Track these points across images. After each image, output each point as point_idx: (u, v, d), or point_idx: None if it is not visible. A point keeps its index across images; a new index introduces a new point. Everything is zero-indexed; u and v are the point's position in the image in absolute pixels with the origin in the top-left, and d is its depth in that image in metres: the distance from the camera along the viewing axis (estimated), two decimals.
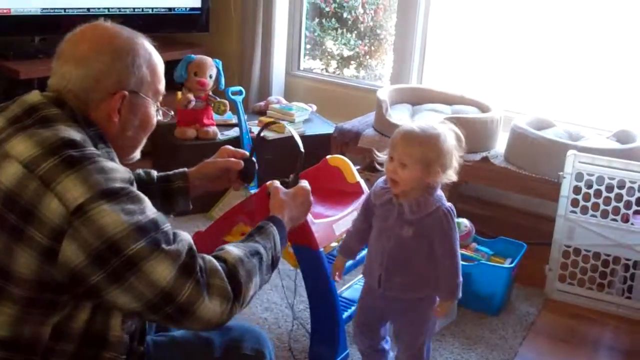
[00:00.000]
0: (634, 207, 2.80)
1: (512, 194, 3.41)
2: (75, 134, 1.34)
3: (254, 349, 1.64)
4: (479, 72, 4.03)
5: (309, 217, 2.40)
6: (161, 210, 1.39)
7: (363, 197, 2.62)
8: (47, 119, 1.36)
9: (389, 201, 2.02)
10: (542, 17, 3.75)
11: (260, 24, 4.23)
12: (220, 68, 3.42)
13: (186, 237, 1.39)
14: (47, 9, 3.73)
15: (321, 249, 2.39)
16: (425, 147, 1.92)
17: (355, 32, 4.54)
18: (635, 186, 2.77)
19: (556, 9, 3.69)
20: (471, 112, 3.53)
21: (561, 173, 2.86)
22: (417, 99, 3.79)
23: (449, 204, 2.02)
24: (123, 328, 1.40)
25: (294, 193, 1.84)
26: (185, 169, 1.94)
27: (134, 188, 1.34)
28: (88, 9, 3.85)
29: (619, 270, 2.88)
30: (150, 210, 1.34)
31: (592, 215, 2.86)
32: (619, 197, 2.80)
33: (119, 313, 1.39)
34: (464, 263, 2.70)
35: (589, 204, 2.85)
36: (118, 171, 1.33)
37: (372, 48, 4.56)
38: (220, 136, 3.49)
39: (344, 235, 2.29)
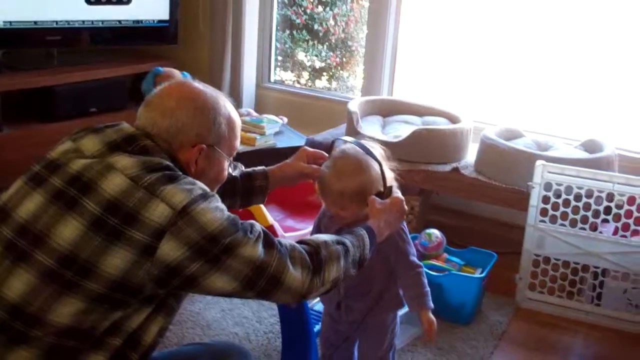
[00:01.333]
0: (602, 216, 2.82)
1: (483, 204, 3.43)
2: (169, 163, 1.52)
3: None
4: (449, 84, 4.05)
5: (280, 231, 2.41)
6: (240, 206, 1.66)
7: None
8: (145, 149, 1.52)
9: (338, 231, 1.93)
10: (509, 28, 3.79)
11: (230, 35, 4.22)
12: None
13: (257, 223, 1.55)
14: (12, 21, 3.69)
15: None
16: (354, 182, 1.86)
17: (327, 43, 4.55)
18: (603, 195, 2.80)
19: (523, 21, 3.73)
20: (441, 123, 3.55)
21: (530, 183, 2.88)
22: (388, 110, 3.81)
23: None
24: (156, 339, 1.52)
25: (390, 202, 1.85)
26: (266, 168, 2.06)
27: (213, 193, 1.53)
28: (56, 22, 3.82)
29: (588, 278, 2.91)
30: (225, 208, 1.52)
31: (562, 225, 2.88)
32: (587, 206, 2.83)
33: (161, 322, 1.52)
34: (434, 274, 2.73)
35: (558, 213, 2.88)
36: (200, 184, 1.52)
37: (344, 60, 4.57)
38: None
39: None
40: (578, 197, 2.83)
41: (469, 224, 3.56)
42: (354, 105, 3.59)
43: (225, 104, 1.66)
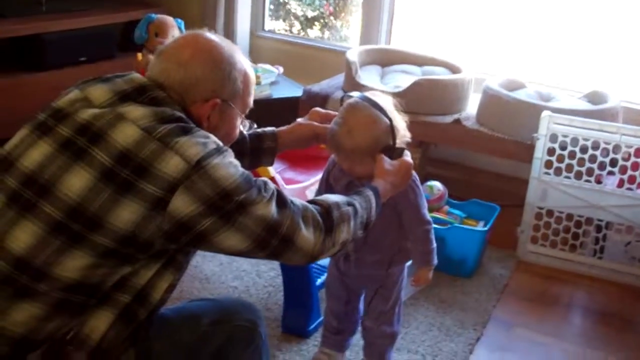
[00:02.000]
0: (608, 168, 2.78)
1: (484, 156, 3.37)
2: (182, 115, 1.46)
3: (248, 319, 1.62)
4: (448, 33, 3.96)
5: (281, 182, 2.34)
6: (248, 167, 1.58)
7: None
8: (157, 100, 1.45)
9: (350, 184, 1.92)
10: None
11: None
12: (183, 28, 3.29)
13: (270, 182, 1.50)
14: None
15: None
16: (367, 138, 1.79)
17: None
18: (610, 147, 2.74)
19: None
20: (442, 74, 3.47)
21: (535, 135, 2.82)
22: (387, 60, 3.71)
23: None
24: (164, 296, 1.47)
25: (399, 165, 1.79)
26: (275, 129, 1.98)
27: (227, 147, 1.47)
28: None
29: (592, 231, 2.87)
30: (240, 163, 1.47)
31: (566, 177, 2.83)
32: (593, 159, 2.78)
33: (168, 279, 1.46)
34: (437, 227, 2.67)
35: (563, 165, 2.82)
36: (214, 138, 1.45)
37: (337, 9, 4.45)
38: None
39: None
40: (584, 149, 2.78)
41: (469, 177, 3.51)
42: (353, 55, 3.50)
43: (242, 59, 1.59)
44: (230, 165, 1.41)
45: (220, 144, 1.45)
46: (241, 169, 1.44)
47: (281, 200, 1.47)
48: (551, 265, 2.94)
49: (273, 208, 1.44)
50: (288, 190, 2.35)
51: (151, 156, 1.35)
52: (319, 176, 2.47)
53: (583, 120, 2.79)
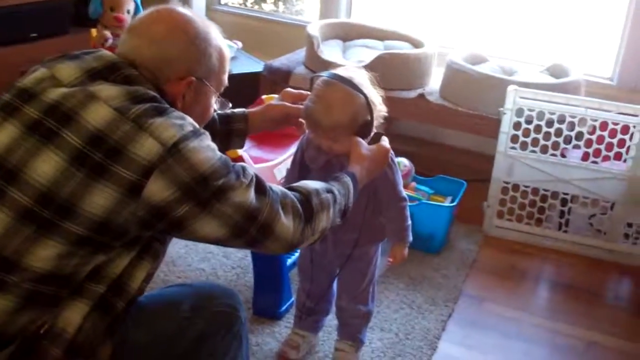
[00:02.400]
0: (574, 142, 2.78)
1: (448, 131, 3.36)
2: (156, 95, 1.38)
3: (228, 304, 1.55)
4: (408, 6, 3.92)
5: (249, 161, 2.29)
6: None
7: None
8: (129, 79, 1.38)
9: (328, 163, 1.87)
10: None
11: None
12: (139, 3, 3.18)
13: (248, 167, 1.44)
14: None
15: None
16: (346, 114, 1.75)
17: None
18: (575, 120, 2.75)
19: None
20: (404, 48, 3.43)
21: (501, 109, 2.81)
22: (348, 34, 3.66)
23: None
24: (142, 285, 1.42)
25: (376, 150, 1.76)
26: (246, 110, 1.92)
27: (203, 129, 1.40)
28: None
29: (557, 204, 2.88)
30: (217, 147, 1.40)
31: (532, 151, 2.83)
32: (558, 132, 2.78)
33: (145, 268, 1.41)
34: None
35: (529, 140, 2.82)
36: (189, 119, 1.38)
37: None
38: None
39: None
40: (550, 123, 2.78)
41: (433, 153, 3.49)
42: (314, 29, 3.44)
43: (217, 35, 1.52)
44: (207, 149, 1.34)
45: (197, 126, 1.38)
46: (219, 153, 1.37)
47: (260, 187, 1.41)
48: (517, 239, 2.95)
49: (252, 194, 1.38)
50: (256, 169, 2.29)
51: (125, 138, 1.27)
52: (286, 154, 2.45)
53: (549, 94, 2.78)
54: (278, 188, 1.47)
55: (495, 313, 2.49)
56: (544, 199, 2.90)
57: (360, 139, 1.74)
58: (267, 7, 4.43)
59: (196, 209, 1.31)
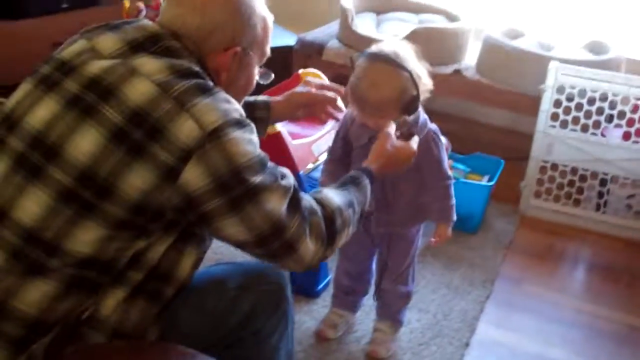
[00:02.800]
0: (616, 121, 2.72)
1: (483, 108, 3.30)
2: (199, 69, 1.32)
3: (275, 283, 1.52)
4: None
5: (287, 137, 2.24)
6: None
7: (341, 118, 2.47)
8: (171, 51, 1.32)
9: (372, 139, 1.80)
10: None
11: None
12: None
13: (290, 174, 1.39)
14: None
15: (301, 172, 2.24)
16: (393, 89, 1.72)
17: None
18: (618, 99, 2.68)
19: None
20: (439, 22, 3.36)
21: (542, 86, 2.74)
22: (382, 7, 3.59)
23: (433, 126, 1.89)
24: (191, 272, 1.39)
25: (401, 149, 1.70)
26: (268, 98, 1.87)
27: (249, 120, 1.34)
28: None
29: (596, 185, 2.83)
30: (259, 143, 1.34)
31: (572, 130, 2.77)
32: (600, 111, 2.72)
33: (191, 255, 1.38)
34: None
35: (569, 118, 2.76)
36: (237, 104, 1.33)
37: None
38: None
39: (322, 161, 2.08)
40: (591, 101, 2.71)
41: (469, 130, 3.43)
42: (348, 2, 3.37)
43: (260, 3, 1.44)
44: (249, 142, 1.28)
45: (243, 114, 1.32)
46: (259, 150, 1.31)
47: (294, 200, 1.34)
48: (554, 220, 2.90)
49: (284, 206, 1.32)
50: (295, 145, 2.25)
51: (165, 117, 1.22)
52: (324, 130, 2.40)
53: (592, 71, 2.71)
54: (308, 202, 1.40)
55: (533, 295, 2.46)
56: (582, 179, 2.84)
57: (390, 132, 1.69)
58: None
59: (226, 207, 1.26)
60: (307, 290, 2.29)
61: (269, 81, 1.64)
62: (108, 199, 1.22)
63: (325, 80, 1.93)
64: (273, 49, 3.48)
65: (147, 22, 1.37)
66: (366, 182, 1.59)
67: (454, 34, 3.20)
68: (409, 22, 3.40)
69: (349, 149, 1.91)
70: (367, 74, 1.74)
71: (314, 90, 1.89)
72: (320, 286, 2.31)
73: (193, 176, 1.23)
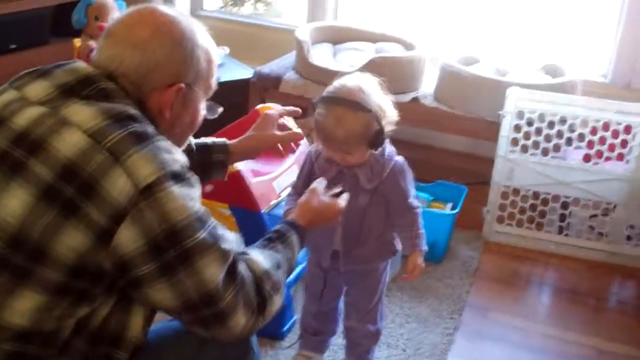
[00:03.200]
0: (576, 144, 2.72)
1: (442, 135, 3.29)
2: (134, 111, 1.24)
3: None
4: (396, 8, 3.85)
5: (248, 175, 2.20)
6: None
7: (301, 151, 2.43)
8: (106, 93, 1.24)
9: (339, 173, 1.81)
10: None
11: None
12: (125, 9, 3.07)
13: (232, 237, 1.31)
14: None
15: (263, 211, 2.19)
16: (358, 125, 1.70)
17: None
18: (577, 122, 2.69)
19: None
20: (395, 51, 3.36)
21: (501, 112, 2.74)
22: (337, 37, 3.58)
23: (400, 158, 1.87)
24: (145, 330, 1.32)
25: (329, 205, 1.65)
26: (227, 141, 1.83)
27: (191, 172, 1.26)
28: None
29: (558, 208, 2.82)
30: (200, 198, 1.25)
31: (533, 154, 2.77)
32: (560, 134, 2.72)
33: (140, 313, 1.29)
34: None
35: (529, 143, 2.76)
36: (179, 153, 1.25)
37: None
38: None
39: (285, 196, 2.04)
40: (551, 125, 2.71)
41: (428, 157, 3.41)
42: (303, 34, 3.36)
43: (203, 35, 1.38)
44: (187, 198, 1.19)
45: (185, 164, 1.24)
46: (199, 206, 1.22)
47: (233, 267, 1.26)
48: (518, 244, 2.89)
49: (222, 274, 1.23)
50: (255, 183, 2.21)
51: (98, 171, 1.14)
52: (284, 165, 2.36)
53: (552, 94, 2.72)
54: (243, 267, 1.31)
55: (502, 323, 2.43)
56: (544, 202, 2.84)
57: (318, 188, 1.67)
58: (246, 9, 4.34)
59: (157, 272, 1.18)
60: (272, 332, 2.22)
61: (216, 115, 1.56)
62: (43, 262, 1.14)
63: (280, 108, 1.91)
64: (230, 82, 3.47)
65: (79, 64, 1.30)
66: (294, 237, 1.52)
67: (411, 62, 3.19)
68: (365, 51, 3.39)
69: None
70: (331, 112, 1.72)
71: (277, 132, 1.85)
72: (285, 327, 2.25)
73: (126, 238, 1.15)
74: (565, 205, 2.81)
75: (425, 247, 1.89)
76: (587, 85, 3.18)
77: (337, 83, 1.76)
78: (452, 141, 3.39)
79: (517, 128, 2.74)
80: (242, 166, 2.18)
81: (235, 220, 2.25)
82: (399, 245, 1.93)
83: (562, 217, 2.83)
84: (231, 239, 1.29)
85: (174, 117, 1.36)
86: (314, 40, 3.45)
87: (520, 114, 2.72)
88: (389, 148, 1.84)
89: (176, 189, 1.18)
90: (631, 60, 3.25)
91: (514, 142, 2.77)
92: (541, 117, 2.71)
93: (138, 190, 1.14)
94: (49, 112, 1.20)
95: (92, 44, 2.90)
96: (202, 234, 1.21)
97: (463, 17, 3.68)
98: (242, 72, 3.51)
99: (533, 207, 2.85)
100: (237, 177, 2.17)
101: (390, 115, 1.77)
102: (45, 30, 3.64)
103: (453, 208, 2.78)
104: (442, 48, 3.48)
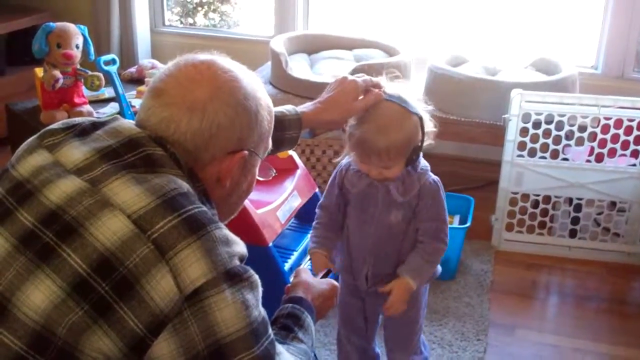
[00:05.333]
0: (587, 143, 2.57)
1: (437, 141, 3.12)
2: (184, 185, 1.04)
3: None
4: (367, 12, 3.68)
5: (251, 207, 1.99)
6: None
7: (299, 174, 2.24)
8: (153, 161, 1.04)
9: (370, 185, 1.65)
10: None
11: None
12: (87, 35, 2.82)
13: (286, 352, 1.11)
14: None
15: (271, 244, 1.98)
16: (400, 133, 1.55)
17: None
18: (588, 120, 2.54)
19: None
20: (377, 56, 3.18)
21: (505, 116, 2.57)
22: (313, 46, 3.38)
23: (434, 177, 1.70)
24: None
25: (321, 283, 1.47)
26: (300, 111, 1.57)
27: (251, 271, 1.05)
28: None
29: (571, 211, 2.68)
30: (260, 301, 1.04)
31: (542, 157, 2.61)
32: (570, 135, 2.57)
33: None
34: None
35: (537, 146, 2.60)
36: (238, 244, 1.04)
37: None
38: (97, 115, 2.93)
39: (311, 231, 1.84)
40: (559, 126, 2.56)
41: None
42: (278, 45, 3.15)
43: (262, 89, 1.19)
44: (242, 305, 0.99)
45: (244, 257, 1.04)
46: (257, 315, 1.02)
47: None
48: (530, 251, 2.74)
49: None
50: (260, 215, 2.00)
51: (140, 268, 0.95)
52: (285, 193, 2.16)
53: (559, 94, 2.57)
54: None
55: (531, 341, 2.27)
56: (555, 206, 2.69)
57: (306, 269, 1.51)
58: (199, 20, 4.13)
59: None
60: None
61: (270, 178, 1.44)
62: None
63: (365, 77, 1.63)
64: None
65: (123, 124, 1.10)
66: (308, 319, 1.33)
67: (396, 68, 2.98)
68: (345, 59, 3.21)
69: (344, 198, 1.72)
70: (373, 118, 1.55)
71: (358, 102, 1.56)
72: None
73: (164, 352, 0.96)
74: (578, 208, 2.67)
75: (419, 284, 1.72)
76: (579, 78, 3.05)
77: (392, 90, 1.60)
78: (449, 147, 3.21)
79: (524, 131, 2.58)
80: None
81: None
82: (439, 267, 1.77)
83: (575, 220, 2.69)
84: (286, 354, 1.11)
85: (232, 186, 1.17)
86: (289, 51, 3.25)
87: (526, 117, 2.56)
88: (422, 162, 1.69)
89: (229, 295, 0.98)
90: (622, 50, 3.14)
91: (521, 146, 2.61)
92: (549, 118, 2.56)
93: (184, 296, 0.95)
94: (88, 189, 1.00)
95: (57, 73, 2.64)
96: (256, 351, 1.01)
97: (444, 16, 3.52)
98: None
99: (543, 212, 2.70)
100: (241, 210, 1.96)
101: (429, 127, 1.62)
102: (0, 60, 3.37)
103: (462, 220, 2.61)
104: (426, 50, 3.32)
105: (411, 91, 1.62)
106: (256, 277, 1.05)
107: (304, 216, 2.27)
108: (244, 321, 0.99)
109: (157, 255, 0.95)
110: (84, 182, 1.01)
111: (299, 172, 2.27)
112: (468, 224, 2.53)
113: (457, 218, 2.65)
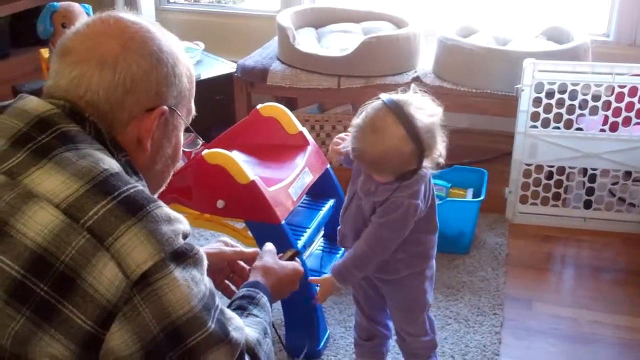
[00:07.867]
0: (601, 112, 2.53)
1: (451, 114, 3.08)
2: (113, 163, 0.97)
3: None
4: None
5: (263, 185, 1.97)
6: None
7: (310, 150, 2.21)
8: (70, 138, 0.96)
9: (377, 187, 1.63)
10: None
11: None
12: (92, 13, 2.79)
13: (242, 324, 1.08)
14: None
15: (283, 222, 1.96)
16: (389, 162, 1.54)
17: None
18: (602, 89, 2.49)
19: None
20: (386, 29, 3.13)
21: (518, 86, 2.53)
22: (320, 20, 3.33)
23: (411, 200, 1.60)
24: None
25: (285, 267, 1.43)
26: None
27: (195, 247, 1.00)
28: None
29: (585, 182, 2.64)
30: (205, 274, 1.00)
31: (555, 127, 2.57)
32: (583, 104, 2.52)
33: None
34: None
35: (551, 116, 2.56)
36: (181, 221, 0.98)
37: None
38: None
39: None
40: (573, 95, 2.52)
41: None
42: (285, 19, 3.10)
43: (180, 47, 1.11)
44: (192, 282, 0.95)
45: (187, 230, 0.98)
46: (204, 288, 0.98)
47: (241, 357, 1.04)
48: (545, 223, 2.70)
49: None
50: (272, 193, 1.97)
51: (80, 260, 0.88)
52: (297, 169, 2.13)
53: (572, 63, 2.53)
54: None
55: (548, 314, 2.25)
56: (570, 177, 2.65)
57: (272, 250, 1.46)
58: None
59: None
60: (310, 351, 2.00)
61: (197, 147, 1.32)
62: None
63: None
64: (212, 80, 3.20)
65: (29, 101, 1.00)
66: (263, 299, 1.28)
67: (407, 40, 2.96)
68: (353, 32, 3.16)
69: None
70: (370, 120, 1.55)
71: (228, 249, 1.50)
72: (322, 344, 2.05)
73: (117, 343, 0.90)
74: (592, 179, 2.63)
75: (339, 285, 1.71)
76: (591, 46, 3.00)
77: (402, 96, 1.57)
78: (461, 119, 3.17)
79: (537, 102, 2.53)
80: (256, 177, 1.95)
81: (253, 235, 2.03)
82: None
83: (590, 191, 2.65)
84: (242, 327, 1.07)
85: (154, 150, 1.09)
86: (295, 26, 3.20)
87: (539, 86, 2.51)
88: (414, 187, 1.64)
89: (179, 274, 0.94)
90: (634, 17, 3.08)
91: (534, 116, 2.57)
92: (562, 88, 2.51)
93: (132, 282, 0.90)
94: (6, 182, 0.92)
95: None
96: (210, 326, 0.98)
97: None
98: (222, 67, 3.26)
99: (557, 184, 2.66)
100: (253, 188, 1.94)
101: (435, 157, 1.58)
102: (3, 42, 3.33)
103: (474, 194, 2.58)
104: (434, 21, 3.27)
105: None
106: (201, 252, 1.00)
107: (316, 193, 2.25)
108: (195, 298, 0.95)
109: (95, 244, 0.89)
110: (0, 175, 0.93)
111: (309, 148, 2.23)
112: (482, 197, 2.49)
113: (470, 191, 2.61)
